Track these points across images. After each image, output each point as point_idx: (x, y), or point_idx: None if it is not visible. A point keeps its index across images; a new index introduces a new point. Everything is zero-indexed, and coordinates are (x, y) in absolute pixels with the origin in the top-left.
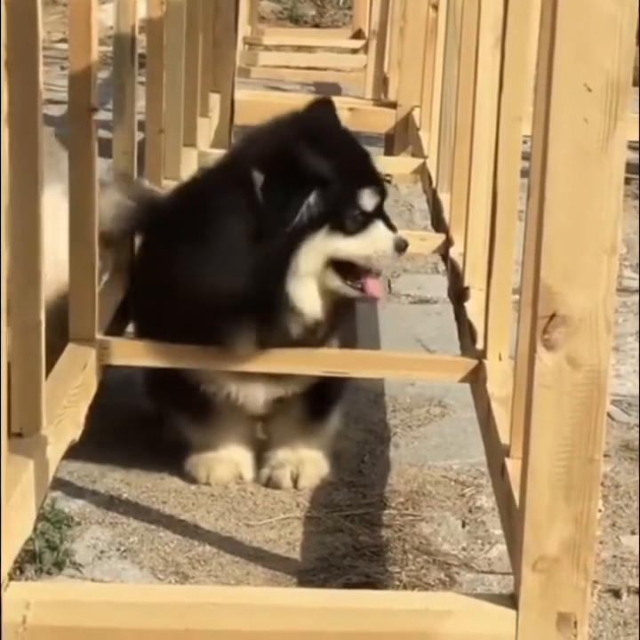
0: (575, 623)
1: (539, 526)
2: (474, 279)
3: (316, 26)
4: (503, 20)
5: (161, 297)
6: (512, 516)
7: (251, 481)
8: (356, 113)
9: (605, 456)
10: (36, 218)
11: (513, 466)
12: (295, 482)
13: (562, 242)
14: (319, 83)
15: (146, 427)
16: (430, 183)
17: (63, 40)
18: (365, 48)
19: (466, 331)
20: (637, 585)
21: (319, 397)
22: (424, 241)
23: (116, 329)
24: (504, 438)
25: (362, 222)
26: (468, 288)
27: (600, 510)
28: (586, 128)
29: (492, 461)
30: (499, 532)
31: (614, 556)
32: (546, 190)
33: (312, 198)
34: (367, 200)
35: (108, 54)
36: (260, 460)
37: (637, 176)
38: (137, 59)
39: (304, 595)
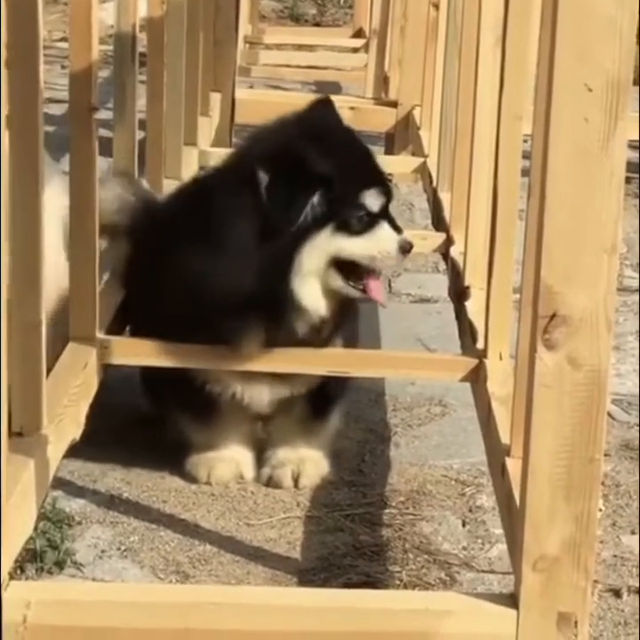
0: (576, 623)
1: (539, 526)
2: (474, 278)
3: (317, 25)
4: (504, 19)
5: (164, 296)
6: (512, 516)
7: (251, 480)
8: (357, 112)
9: (606, 455)
10: (37, 217)
11: (513, 465)
12: (296, 481)
13: (562, 241)
14: (320, 82)
15: (146, 426)
16: (431, 182)
17: (64, 39)
18: (366, 47)
19: (466, 330)
20: (638, 584)
21: (320, 397)
22: (425, 240)
23: (116, 328)
24: (504, 438)
25: (367, 223)
26: (468, 287)
27: (600, 510)
28: (586, 127)
29: (493, 461)
30: (499, 531)
31: (615, 556)
32: (546, 190)
33: (316, 198)
34: (372, 201)
35: (109, 53)
36: (260, 460)
37: (638, 175)
38: (137, 58)
39: (304, 594)
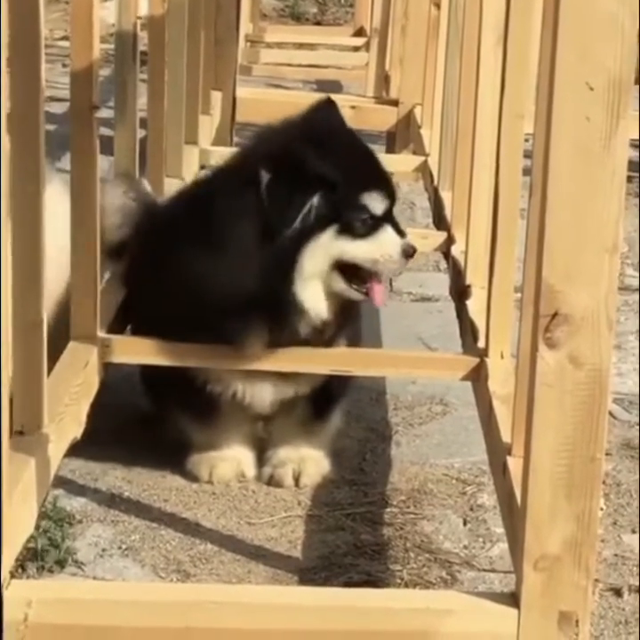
0: (577, 622)
1: (540, 525)
2: (475, 277)
3: (318, 23)
4: (505, 18)
5: (166, 297)
6: (513, 515)
7: (252, 479)
8: (358, 111)
9: (607, 454)
10: (38, 216)
11: (514, 464)
12: (297, 480)
13: (564, 240)
14: (321, 80)
15: (147, 425)
16: (432, 181)
17: (65, 38)
18: (367, 46)
19: (467, 329)
20: (638, 583)
21: (321, 396)
22: (426, 239)
23: (117, 327)
24: (505, 437)
25: (370, 226)
26: (469, 286)
27: (601, 509)
28: (588, 126)
29: (494, 460)
30: (500, 530)
31: (616, 555)
32: (548, 189)
33: (317, 199)
34: (376, 203)
35: (110, 52)
36: (261, 459)
37: (638, 174)
38: (138, 56)
39: (305, 593)
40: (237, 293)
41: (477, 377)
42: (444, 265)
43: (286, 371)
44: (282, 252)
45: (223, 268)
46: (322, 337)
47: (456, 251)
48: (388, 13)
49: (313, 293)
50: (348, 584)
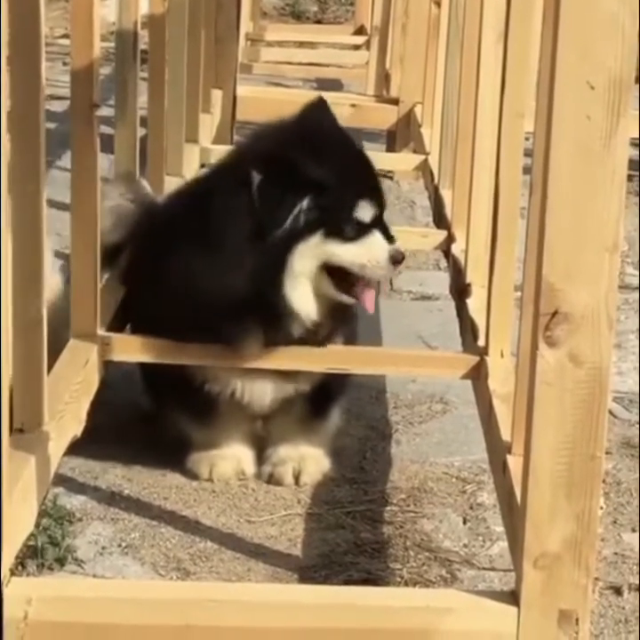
0: (576, 620)
1: (540, 523)
2: (476, 276)
3: (319, 22)
4: (506, 16)
5: (163, 297)
6: (513, 513)
7: (252, 477)
8: (358, 109)
9: (607, 453)
10: (38, 215)
11: (514, 463)
12: (297, 478)
13: (564, 239)
14: (321, 79)
15: (147, 423)
16: (432, 180)
17: (65, 36)
18: (367, 44)
19: (467, 327)
20: (638, 582)
21: (320, 395)
22: (426, 238)
23: (117, 325)
24: (505, 435)
25: (358, 230)
26: (469, 285)
27: (601, 507)
28: (588, 125)
29: (494, 458)
30: (500, 528)
31: (615, 554)
32: (548, 187)
33: (307, 202)
34: (365, 209)
35: (111, 50)
36: (260, 458)
37: (639, 173)
38: (139, 55)
39: (305, 591)
40: (230, 294)
41: (477, 375)
42: (444, 263)
43: (285, 369)
44: (271, 253)
45: (216, 268)
46: (316, 337)
47: (456, 249)
48: (388, 12)
49: (302, 295)
50: (348, 582)
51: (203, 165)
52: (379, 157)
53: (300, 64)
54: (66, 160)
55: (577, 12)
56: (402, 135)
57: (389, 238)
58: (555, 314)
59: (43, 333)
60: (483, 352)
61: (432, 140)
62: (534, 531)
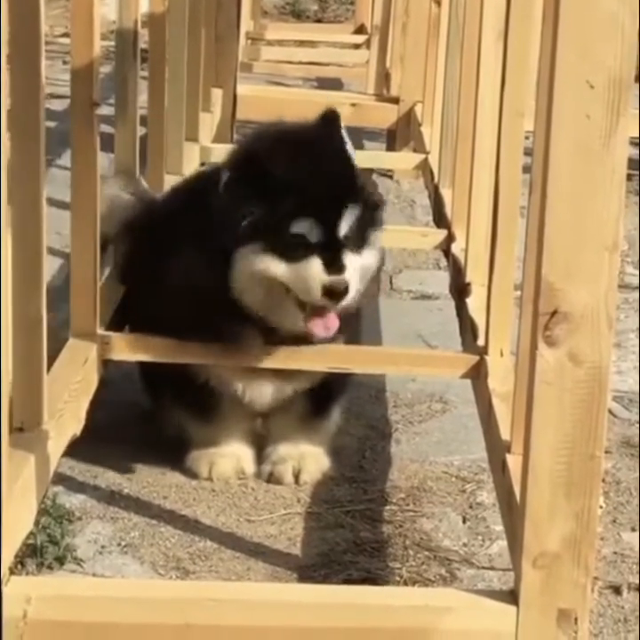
0: (576, 619)
1: (539, 522)
2: (475, 275)
3: (319, 21)
4: (505, 15)
5: (161, 296)
6: (513, 512)
7: (252, 476)
8: (358, 108)
9: (606, 452)
10: (39, 213)
11: (514, 462)
12: (296, 477)
13: (563, 238)
14: (321, 78)
15: (147, 422)
16: (432, 179)
17: (65, 34)
18: (368, 43)
19: (467, 327)
20: (638, 581)
21: (320, 394)
22: (426, 237)
23: (116, 324)
24: (505, 434)
25: (298, 250)
26: (469, 284)
27: (601, 507)
28: (588, 124)
29: (493, 457)
30: (499, 528)
31: (615, 553)
32: (548, 187)
33: (257, 211)
34: (305, 230)
35: (111, 49)
36: (260, 456)
37: (638, 172)
38: (139, 53)
39: (304, 590)
40: (220, 293)
41: (477, 375)
42: (444, 263)
43: (285, 368)
44: (225, 255)
45: (204, 267)
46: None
47: (456, 248)
48: (388, 11)
49: (258, 301)
50: (348, 581)
51: (203, 164)
52: (379, 156)
53: (300, 63)
54: (66, 159)
55: (577, 11)
56: (402, 134)
57: (335, 267)
58: (554, 313)
59: (43, 332)
60: (482, 351)
61: (432, 139)
62: (533, 530)
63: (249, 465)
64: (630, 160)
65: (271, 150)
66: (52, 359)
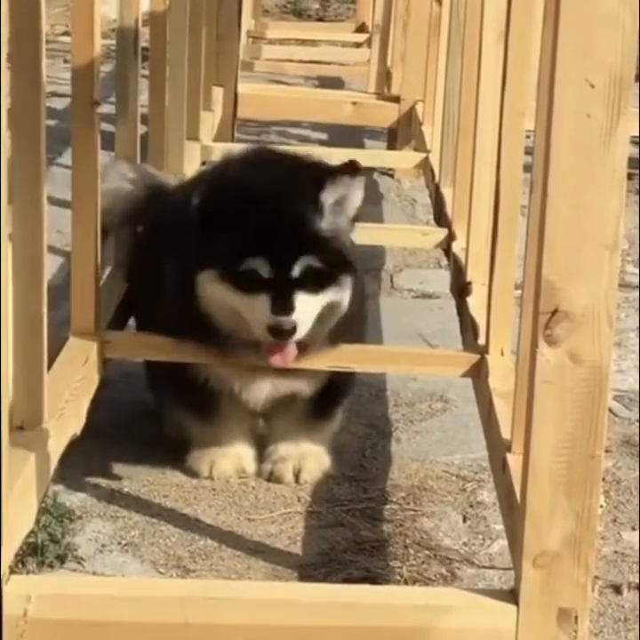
0: (576, 618)
1: (540, 521)
2: (476, 274)
3: (320, 19)
4: (506, 14)
5: (161, 299)
6: (513, 512)
7: (252, 475)
8: (359, 107)
9: (607, 451)
10: (39, 211)
11: (514, 461)
12: (297, 476)
13: (564, 237)
14: (322, 76)
15: (147, 421)
16: (433, 178)
17: (66, 33)
18: (369, 42)
19: (468, 326)
20: (638, 580)
21: (325, 396)
22: (426, 236)
23: (117, 323)
24: (505, 433)
25: (251, 285)
26: (470, 283)
27: (601, 506)
28: (588, 123)
29: (494, 456)
30: (500, 527)
31: (615, 552)
32: (548, 186)
33: (220, 239)
34: (262, 267)
35: (112, 47)
36: (261, 455)
37: (638, 171)
38: (140, 52)
39: (305, 589)
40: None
41: (478, 374)
42: (444, 261)
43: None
44: (191, 275)
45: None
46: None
47: (457, 247)
48: (389, 10)
49: (223, 320)
50: (348, 580)
51: (204, 163)
52: (380, 155)
53: (301, 62)
54: (66, 157)
55: (577, 10)
56: (403, 133)
57: (282, 307)
58: (555, 312)
59: (43, 331)
60: (483, 350)
61: (433, 138)
62: (534, 529)
63: (249, 464)
64: (630, 159)
65: (237, 186)
66: (52, 358)
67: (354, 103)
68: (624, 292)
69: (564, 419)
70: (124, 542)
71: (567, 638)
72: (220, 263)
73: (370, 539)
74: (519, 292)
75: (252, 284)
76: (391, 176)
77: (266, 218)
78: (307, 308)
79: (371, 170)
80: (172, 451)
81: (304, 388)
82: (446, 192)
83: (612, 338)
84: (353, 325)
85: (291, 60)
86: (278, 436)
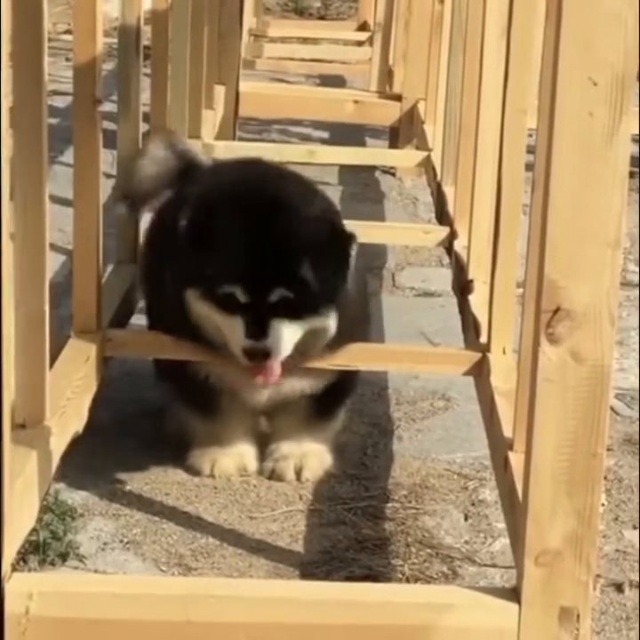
0: (577, 617)
1: (541, 520)
2: (478, 272)
3: (322, 18)
4: (509, 12)
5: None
6: (515, 510)
7: (254, 473)
8: (361, 105)
9: (608, 450)
10: (41, 209)
11: (516, 459)
12: (298, 474)
13: (566, 236)
14: (324, 75)
15: (149, 419)
16: (435, 176)
17: (68, 31)
18: (370, 40)
19: (470, 324)
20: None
21: (327, 396)
22: (428, 234)
23: (119, 320)
24: (507, 432)
25: (230, 307)
26: (472, 281)
27: (603, 504)
28: (591, 122)
29: (495, 455)
30: (501, 525)
31: (617, 550)
32: (550, 184)
33: (205, 260)
34: (240, 293)
35: (113, 46)
36: (263, 453)
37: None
38: (142, 50)
39: (306, 587)
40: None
41: (479, 372)
42: (446, 260)
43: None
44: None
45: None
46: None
47: (459, 246)
48: (391, 8)
49: (212, 334)
50: (350, 578)
51: None
52: (381, 154)
53: (302, 60)
54: (68, 156)
55: (579, 8)
56: (405, 131)
57: (256, 332)
58: (557, 311)
59: (45, 329)
60: (485, 349)
61: (435, 137)
62: (535, 527)
63: (251, 462)
64: (632, 157)
65: (225, 208)
66: (54, 356)
67: (355, 101)
68: (625, 291)
69: (566, 417)
70: (125, 540)
71: (569, 637)
72: (204, 283)
73: (371, 537)
74: (521, 290)
75: (230, 306)
76: (393, 174)
77: (250, 242)
78: (282, 334)
79: (373, 168)
80: (174, 448)
81: (306, 389)
82: (448, 190)
83: (614, 336)
84: (354, 331)
85: (292, 59)
86: (280, 434)
